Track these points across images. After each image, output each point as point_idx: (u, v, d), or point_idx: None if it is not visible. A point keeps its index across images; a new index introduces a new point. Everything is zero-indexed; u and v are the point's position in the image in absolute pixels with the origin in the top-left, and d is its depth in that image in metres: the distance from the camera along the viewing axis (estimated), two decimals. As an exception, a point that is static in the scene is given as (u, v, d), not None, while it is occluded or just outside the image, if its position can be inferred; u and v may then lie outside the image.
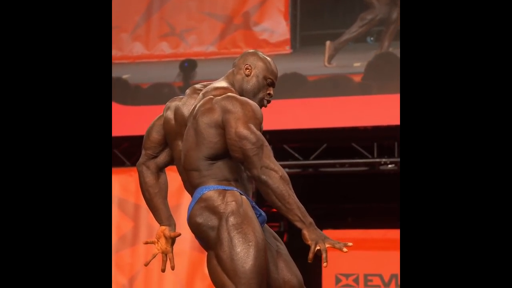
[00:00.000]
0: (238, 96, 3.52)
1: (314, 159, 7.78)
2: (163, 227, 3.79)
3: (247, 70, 3.66)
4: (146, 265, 3.85)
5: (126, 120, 7.81)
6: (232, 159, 3.50)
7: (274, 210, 3.49)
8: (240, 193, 3.50)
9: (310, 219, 3.37)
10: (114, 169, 6.68)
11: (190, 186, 3.59)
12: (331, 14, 8.15)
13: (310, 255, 3.35)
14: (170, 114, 3.71)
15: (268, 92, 3.68)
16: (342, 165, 7.97)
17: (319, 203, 8.55)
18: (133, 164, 8.09)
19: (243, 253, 3.40)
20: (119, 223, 7.69)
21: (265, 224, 3.64)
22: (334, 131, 7.56)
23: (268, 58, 3.73)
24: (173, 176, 8.15)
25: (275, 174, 3.37)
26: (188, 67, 8.08)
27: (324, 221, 8.53)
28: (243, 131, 3.41)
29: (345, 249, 3.35)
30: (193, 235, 3.58)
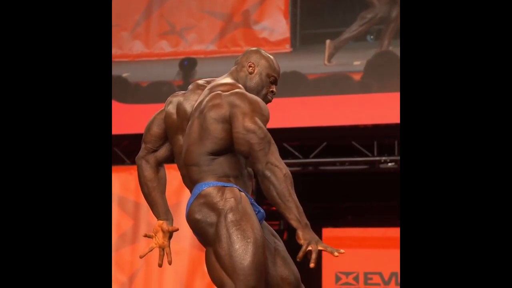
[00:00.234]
0: (246, 92, 3.54)
1: (314, 157, 7.78)
2: (161, 221, 3.80)
3: (250, 68, 3.68)
4: (141, 257, 3.86)
5: (126, 118, 7.81)
6: (234, 155, 3.52)
7: (274, 208, 3.50)
8: (239, 190, 3.51)
9: (306, 221, 3.38)
10: (114, 167, 6.68)
11: (190, 181, 3.60)
12: (331, 13, 8.15)
13: (300, 254, 3.36)
14: (171, 109, 3.72)
15: (271, 89, 3.70)
16: (342, 163, 7.97)
17: (319, 201, 8.56)
18: (133, 162, 8.05)
19: (241, 249, 3.40)
20: (119, 221, 7.69)
21: (264, 221, 3.65)
22: (334, 129, 7.56)
23: (271, 56, 3.75)
24: (173, 174, 8.15)
25: (279, 172, 3.38)
26: (188, 66, 8.08)
27: (324, 220, 8.54)
28: (251, 125, 3.43)
29: (336, 254, 3.36)
30: (192, 232, 3.59)
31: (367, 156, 7.71)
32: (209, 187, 3.50)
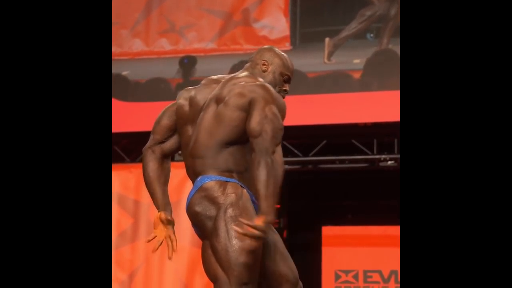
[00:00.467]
0: (270, 87, 3.56)
1: (314, 155, 7.78)
2: (159, 213, 3.78)
3: (264, 66, 3.70)
4: (154, 251, 3.84)
5: (126, 117, 7.81)
6: (240, 150, 3.54)
7: (278, 205, 3.51)
8: (241, 186, 3.53)
9: (272, 218, 3.38)
10: (114, 166, 6.68)
11: (193, 173, 3.61)
12: (331, 11, 8.15)
13: (242, 231, 3.36)
14: (183, 101, 3.73)
15: (284, 88, 3.73)
16: (342, 161, 7.97)
17: (318, 199, 8.56)
18: (133, 160, 8.13)
19: (238, 246, 3.42)
20: (119, 220, 7.70)
21: None
22: (334, 127, 7.56)
23: (285, 55, 3.77)
24: (174, 172, 8.14)
25: (279, 167, 3.42)
26: (187, 64, 8.08)
27: (324, 218, 8.54)
28: (272, 112, 3.47)
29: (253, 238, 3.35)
30: (191, 225, 3.61)
31: (366, 154, 7.71)
32: (211, 180, 3.51)
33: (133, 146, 8.06)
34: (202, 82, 3.78)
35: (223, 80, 3.67)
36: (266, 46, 3.81)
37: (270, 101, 3.49)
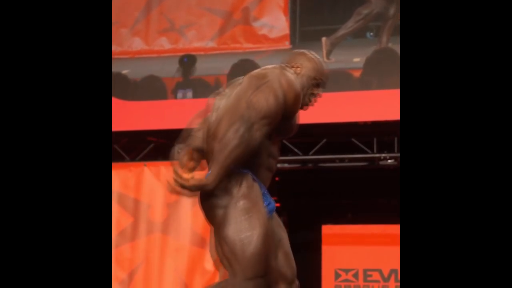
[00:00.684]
0: (283, 72, 3.57)
1: (314, 154, 7.77)
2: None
3: (298, 69, 3.69)
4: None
5: (125, 115, 7.80)
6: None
7: (278, 204, 3.52)
8: (253, 179, 3.53)
9: (213, 184, 3.43)
10: (113, 164, 6.67)
11: (211, 155, 3.60)
12: (331, 10, 8.15)
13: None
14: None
15: (312, 92, 3.70)
16: (342, 160, 7.96)
17: (318, 198, 8.55)
18: (133, 159, 8.12)
19: (246, 240, 3.45)
20: (119, 218, 7.68)
21: (274, 212, 3.67)
22: (334, 126, 7.55)
23: (318, 59, 3.76)
24: (173, 173, 8.09)
25: (235, 143, 3.42)
26: (187, 63, 8.07)
27: (323, 217, 8.53)
28: (253, 100, 3.49)
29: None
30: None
31: (366, 153, 7.70)
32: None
33: (133, 145, 8.05)
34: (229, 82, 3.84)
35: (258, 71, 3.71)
36: (300, 50, 3.81)
37: (264, 82, 3.51)
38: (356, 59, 7.83)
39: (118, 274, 7.59)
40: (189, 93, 7.88)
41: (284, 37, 7.98)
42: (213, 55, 8.03)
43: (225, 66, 7.44)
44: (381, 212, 8.32)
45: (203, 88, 7.78)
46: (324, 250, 7.92)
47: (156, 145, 7.93)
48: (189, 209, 7.48)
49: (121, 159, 7.97)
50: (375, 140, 7.68)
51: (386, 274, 7.94)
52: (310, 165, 7.99)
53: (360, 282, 7.97)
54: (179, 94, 7.93)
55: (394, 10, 7.68)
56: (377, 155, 7.70)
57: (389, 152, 7.70)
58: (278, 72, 3.59)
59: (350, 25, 7.81)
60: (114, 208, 7.38)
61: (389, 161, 7.75)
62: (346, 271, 7.99)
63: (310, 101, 3.71)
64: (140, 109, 7.80)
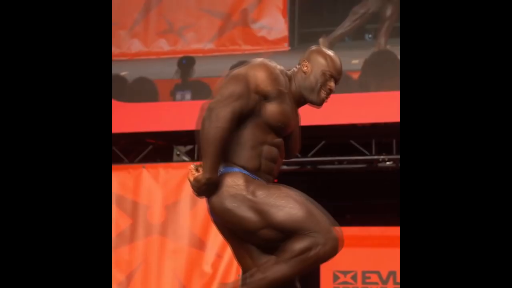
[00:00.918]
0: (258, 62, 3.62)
1: (312, 156, 7.77)
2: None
3: (305, 68, 3.70)
4: None
5: (124, 117, 7.79)
6: (242, 136, 3.59)
7: None
8: (241, 172, 3.57)
9: (208, 176, 3.49)
10: (112, 166, 6.67)
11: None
12: (330, 12, 8.14)
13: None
14: None
15: (328, 87, 3.73)
16: (341, 162, 7.95)
17: (317, 200, 8.53)
18: (131, 161, 8.11)
19: (295, 207, 3.47)
20: (117, 220, 7.68)
21: None
22: (332, 128, 7.54)
23: (330, 53, 3.76)
24: (172, 174, 8.15)
25: (212, 126, 3.47)
26: (186, 64, 8.06)
27: (322, 218, 8.51)
28: (230, 77, 3.60)
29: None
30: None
31: (365, 155, 7.70)
32: (221, 174, 3.57)
33: (131, 147, 8.04)
34: None
35: None
36: (312, 47, 3.82)
37: (237, 72, 3.59)
38: (355, 61, 7.82)
39: (116, 276, 7.58)
40: (188, 95, 7.88)
41: (283, 39, 7.97)
42: (212, 57, 8.02)
43: (224, 68, 7.41)
44: (379, 214, 8.32)
45: (202, 90, 7.78)
46: (323, 252, 7.92)
47: (154, 147, 7.93)
48: (188, 211, 7.48)
49: (119, 161, 7.96)
50: (373, 142, 7.68)
51: (384, 276, 7.94)
52: (308, 167, 7.99)
53: (359, 284, 7.97)
54: (178, 96, 7.93)
55: (390, 11, 7.68)
56: (376, 157, 7.70)
57: (387, 154, 7.70)
58: (251, 64, 3.63)
59: (347, 24, 7.80)
60: (112, 210, 7.37)
61: (388, 163, 7.75)
62: (345, 273, 7.99)
63: (326, 97, 3.71)
64: (139, 111, 7.80)
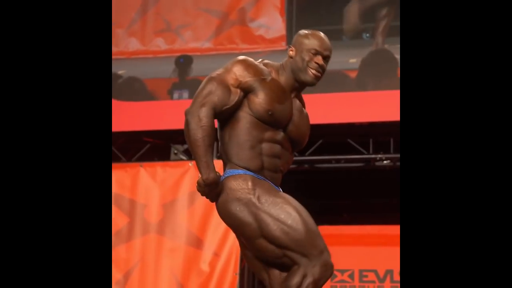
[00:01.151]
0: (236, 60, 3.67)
1: (310, 155, 7.77)
2: None
3: (291, 52, 3.73)
4: None
5: (122, 116, 7.79)
6: (241, 136, 3.61)
7: None
8: (248, 174, 3.58)
9: (205, 177, 3.50)
10: (110, 165, 6.67)
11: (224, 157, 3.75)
12: (327, 10, 8.13)
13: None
14: None
15: (315, 61, 3.69)
16: (338, 161, 7.96)
17: (314, 199, 8.54)
18: (129, 159, 8.11)
19: (293, 224, 3.46)
20: (115, 219, 7.68)
21: None
22: (330, 127, 7.55)
23: (312, 32, 3.75)
24: (170, 172, 8.13)
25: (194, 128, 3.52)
26: (183, 63, 8.06)
27: (319, 217, 8.52)
28: (208, 78, 3.65)
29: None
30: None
31: (362, 153, 7.71)
32: (226, 177, 3.58)
33: (129, 146, 8.04)
34: None
35: None
36: (300, 31, 3.82)
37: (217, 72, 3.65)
38: (352, 60, 7.83)
39: (114, 274, 7.58)
40: (185, 94, 7.88)
41: (281, 37, 7.97)
42: (210, 55, 8.02)
43: (221, 67, 7.43)
44: (377, 213, 8.33)
45: (199, 89, 7.77)
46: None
47: (152, 146, 7.93)
48: (185, 210, 7.48)
49: (117, 159, 7.96)
50: (371, 141, 7.69)
51: (381, 275, 7.95)
52: (306, 165, 8.00)
53: (356, 282, 7.98)
54: (175, 95, 7.93)
55: (387, 10, 7.68)
56: (373, 156, 7.71)
57: (385, 153, 7.71)
58: (226, 64, 3.70)
59: None
60: (110, 209, 7.37)
61: (385, 161, 7.76)
62: (342, 271, 8.00)
63: (316, 72, 3.70)
64: (136, 110, 7.80)
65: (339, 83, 7.73)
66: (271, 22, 7.96)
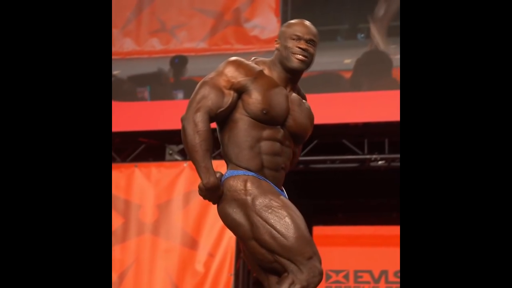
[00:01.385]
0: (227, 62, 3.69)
1: (305, 155, 7.78)
2: None
3: (277, 45, 3.73)
4: None
5: (116, 116, 7.79)
6: (241, 136, 3.62)
7: None
8: (259, 178, 3.57)
9: (205, 181, 3.52)
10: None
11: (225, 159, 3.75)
12: (322, 11, 8.14)
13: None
14: None
15: (298, 46, 3.66)
16: (333, 161, 7.97)
17: (309, 199, 8.56)
18: (124, 160, 8.11)
19: (283, 230, 3.45)
20: (109, 219, 7.69)
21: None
22: (325, 127, 7.55)
23: (292, 21, 3.75)
24: (164, 172, 8.11)
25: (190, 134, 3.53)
26: (178, 63, 8.06)
27: (314, 217, 8.55)
28: (201, 83, 3.67)
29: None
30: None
31: (357, 154, 7.71)
32: (226, 178, 3.58)
33: (124, 146, 8.04)
34: None
35: None
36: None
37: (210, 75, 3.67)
38: (347, 61, 7.84)
39: (108, 275, 7.58)
40: (180, 94, 7.88)
41: (275, 38, 7.96)
42: (204, 56, 8.02)
43: (216, 67, 7.43)
44: (372, 213, 8.34)
45: (194, 89, 7.77)
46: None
47: (147, 146, 7.93)
48: (180, 210, 7.49)
49: (112, 160, 7.96)
50: (366, 141, 7.70)
51: (376, 275, 7.97)
52: (301, 166, 8.00)
53: (351, 283, 8.00)
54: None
55: (383, 11, 7.69)
56: (368, 156, 7.72)
57: (379, 153, 7.72)
58: (217, 68, 3.71)
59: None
60: (105, 209, 7.36)
61: (380, 162, 7.77)
62: (337, 272, 8.01)
63: (301, 57, 3.65)
64: (131, 110, 7.80)
65: (333, 83, 7.74)
66: (266, 23, 7.96)
